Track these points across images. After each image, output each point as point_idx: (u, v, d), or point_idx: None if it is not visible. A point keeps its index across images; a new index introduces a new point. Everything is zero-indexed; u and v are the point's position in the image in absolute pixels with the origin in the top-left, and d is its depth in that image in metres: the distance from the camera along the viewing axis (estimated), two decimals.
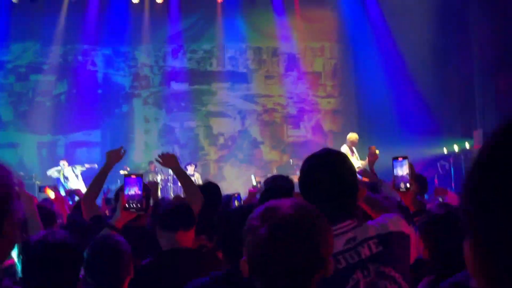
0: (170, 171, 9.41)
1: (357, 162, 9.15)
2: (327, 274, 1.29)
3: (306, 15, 12.49)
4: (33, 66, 12.20)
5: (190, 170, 10.44)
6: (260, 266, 1.27)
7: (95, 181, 3.40)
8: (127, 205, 2.64)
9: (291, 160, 11.77)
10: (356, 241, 1.75)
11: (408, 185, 2.42)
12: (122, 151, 3.52)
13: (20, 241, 2.20)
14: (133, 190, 2.64)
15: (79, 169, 10.85)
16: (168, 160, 3.72)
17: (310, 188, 1.82)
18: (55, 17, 12.03)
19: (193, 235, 2.80)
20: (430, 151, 10.59)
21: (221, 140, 12.54)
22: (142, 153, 12.08)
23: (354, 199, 1.85)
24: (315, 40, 12.78)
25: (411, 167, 2.44)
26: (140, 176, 2.67)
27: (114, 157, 3.47)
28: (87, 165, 10.90)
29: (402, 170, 2.44)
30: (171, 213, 2.73)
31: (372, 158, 5.48)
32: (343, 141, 12.30)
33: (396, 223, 1.83)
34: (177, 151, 11.47)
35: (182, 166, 4.45)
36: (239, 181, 12.15)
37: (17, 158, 11.48)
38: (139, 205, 2.65)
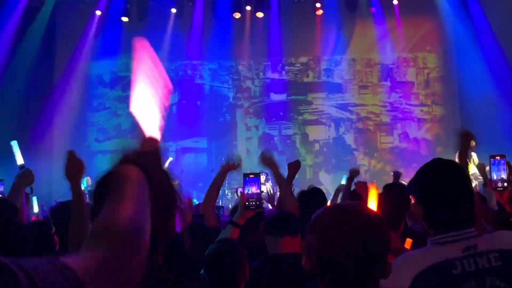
0: None
1: (473, 169, 9.19)
2: (385, 276, 1.38)
3: (405, 25, 12.83)
4: None
5: (262, 179, 11.02)
6: (325, 263, 1.37)
7: (211, 189, 3.58)
8: (247, 203, 2.72)
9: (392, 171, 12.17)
10: (476, 249, 1.73)
11: (505, 184, 2.41)
12: (236, 164, 3.69)
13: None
14: (252, 189, 2.72)
15: None
16: (267, 161, 3.85)
17: (432, 194, 1.83)
18: (164, 34, 13.18)
19: (299, 241, 2.87)
20: None
21: (317, 147, 13.13)
22: (244, 159, 13.01)
23: (472, 206, 1.85)
24: (409, 51, 13.09)
25: (508, 165, 2.43)
26: (258, 176, 2.75)
27: (228, 168, 3.66)
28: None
29: (500, 168, 2.43)
30: (278, 220, 2.89)
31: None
32: (435, 148, 12.61)
33: None
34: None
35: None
36: (333, 185, 12.76)
37: None
38: (258, 203, 2.72)
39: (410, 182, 1.97)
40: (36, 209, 6.45)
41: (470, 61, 12.13)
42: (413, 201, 1.93)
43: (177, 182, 1.34)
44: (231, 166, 3.70)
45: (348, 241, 1.34)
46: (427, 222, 1.85)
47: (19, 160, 3.66)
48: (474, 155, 9.37)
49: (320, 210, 1.47)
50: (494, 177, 2.42)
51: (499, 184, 2.41)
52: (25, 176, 3.35)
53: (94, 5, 13.11)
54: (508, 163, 2.43)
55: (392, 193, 3.14)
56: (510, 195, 2.43)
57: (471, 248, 1.72)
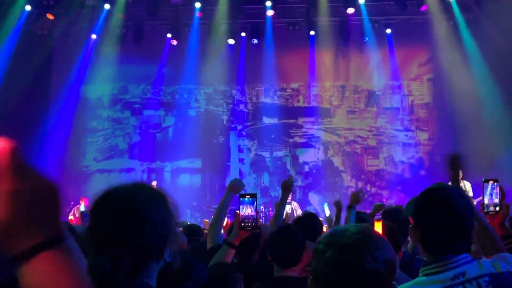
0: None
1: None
2: None
3: (392, 53, 13.51)
4: (146, 103, 14.01)
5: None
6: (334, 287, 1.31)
7: (220, 210, 3.51)
8: (242, 223, 2.74)
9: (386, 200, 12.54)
10: (465, 277, 1.74)
11: (497, 208, 2.42)
12: (242, 184, 3.57)
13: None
14: (248, 210, 2.73)
15: None
16: (287, 188, 4.10)
17: (429, 218, 1.85)
18: (159, 58, 13.65)
19: (303, 265, 2.92)
20: None
21: (306, 168, 13.67)
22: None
23: (469, 232, 1.86)
24: (394, 79, 13.75)
25: (502, 190, 2.45)
26: (254, 197, 2.75)
27: (236, 188, 3.50)
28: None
29: (493, 193, 2.44)
30: (284, 253, 2.86)
31: None
32: (419, 172, 13.26)
33: (509, 262, 1.82)
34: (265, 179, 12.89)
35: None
36: (321, 206, 13.32)
37: (140, 181, 13.19)
38: (253, 224, 2.74)
39: (409, 203, 1.96)
40: None
41: (456, 88, 12.67)
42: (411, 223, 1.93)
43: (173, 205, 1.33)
44: (239, 185, 3.57)
45: (355, 261, 1.30)
46: (422, 245, 1.88)
47: None
48: (467, 184, 9.36)
49: (326, 233, 1.46)
50: (486, 201, 2.43)
51: (491, 208, 2.43)
52: None
53: (90, 29, 13.37)
54: (501, 188, 2.45)
55: (390, 219, 3.26)
56: (502, 219, 2.44)
57: (460, 275, 1.74)
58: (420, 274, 1.84)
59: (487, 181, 2.48)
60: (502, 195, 2.45)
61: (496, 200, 2.44)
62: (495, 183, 2.46)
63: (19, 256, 0.76)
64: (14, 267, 0.77)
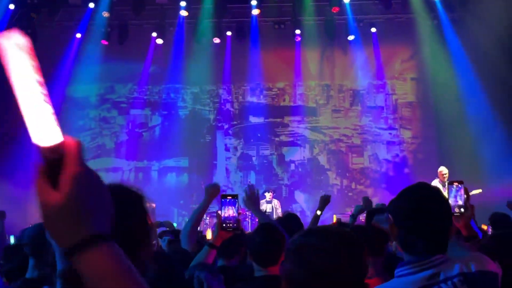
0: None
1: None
2: None
3: (377, 53, 13.65)
4: (133, 102, 14.03)
5: (268, 196, 11.28)
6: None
7: (195, 216, 3.46)
8: (223, 224, 2.74)
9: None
10: (439, 278, 1.76)
11: (462, 209, 2.44)
12: (219, 188, 3.55)
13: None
14: (229, 211, 2.73)
15: None
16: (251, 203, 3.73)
17: (407, 218, 1.86)
18: (145, 57, 13.66)
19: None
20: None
21: (292, 167, 13.81)
22: (223, 178, 13.67)
23: (446, 233, 1.88)
24: (378, 78, 13.93)
25: (466, 192, 2.48)
26: (235, 198, 2.75)
27: (213, 193, 3.46)
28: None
29: (457, 194, 2.47)
30: (263, 252, 2.80)
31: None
32: (402, 170, 13.50)
33: (481, 262, 1.84)
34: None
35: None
36: (308, 204, 13.51)
37: (118, 181, 13.22)
38: (235, 225, 2.74)
39: (391, 202, 1.98)
40: None
41: (439, 87, 12.92)
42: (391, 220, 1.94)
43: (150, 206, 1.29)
44: (216, 189, 3.54)
45: (329, 263, 1.32)
46: (400, 243, 1.90)
47: None
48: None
49: (297, 233, 1.45)
50: (451, 203, 2.42)
51: (456, 210, 2.44)
52: None
53: (75, 28, 13.32)
54: (465, 190, 2.48)
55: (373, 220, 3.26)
56: (467, 220, 2.44)
57: (435, 276, 1.75)
58: (395, 275, 1.85)
59: (451, 183, 2.53)
60: (467, 197, 2.48)
61: (461, 202, 2.47)
62: (460, 185, 2.51)
63: (76, 245, 0.78)
64: (67, 257, 0.79)
